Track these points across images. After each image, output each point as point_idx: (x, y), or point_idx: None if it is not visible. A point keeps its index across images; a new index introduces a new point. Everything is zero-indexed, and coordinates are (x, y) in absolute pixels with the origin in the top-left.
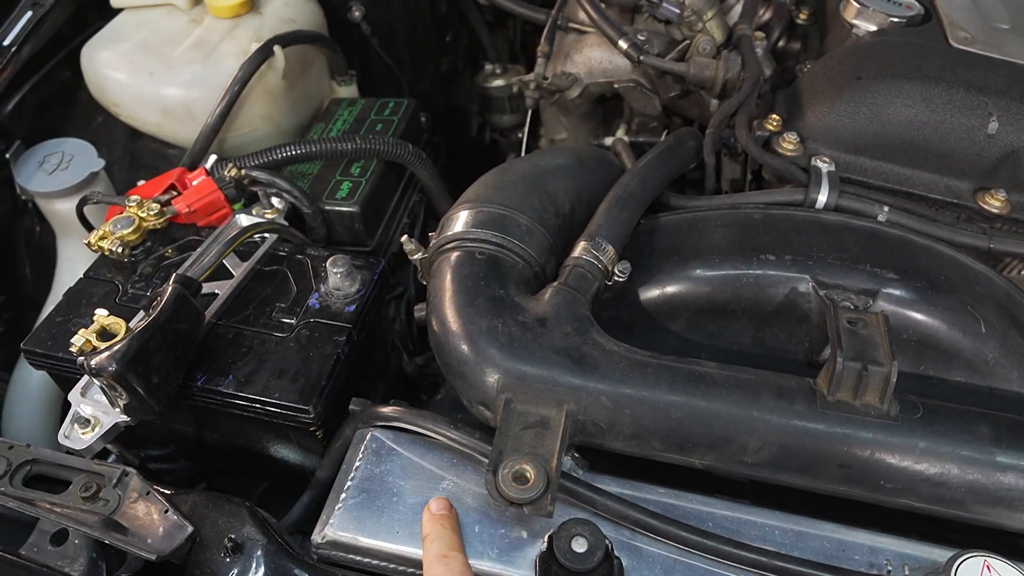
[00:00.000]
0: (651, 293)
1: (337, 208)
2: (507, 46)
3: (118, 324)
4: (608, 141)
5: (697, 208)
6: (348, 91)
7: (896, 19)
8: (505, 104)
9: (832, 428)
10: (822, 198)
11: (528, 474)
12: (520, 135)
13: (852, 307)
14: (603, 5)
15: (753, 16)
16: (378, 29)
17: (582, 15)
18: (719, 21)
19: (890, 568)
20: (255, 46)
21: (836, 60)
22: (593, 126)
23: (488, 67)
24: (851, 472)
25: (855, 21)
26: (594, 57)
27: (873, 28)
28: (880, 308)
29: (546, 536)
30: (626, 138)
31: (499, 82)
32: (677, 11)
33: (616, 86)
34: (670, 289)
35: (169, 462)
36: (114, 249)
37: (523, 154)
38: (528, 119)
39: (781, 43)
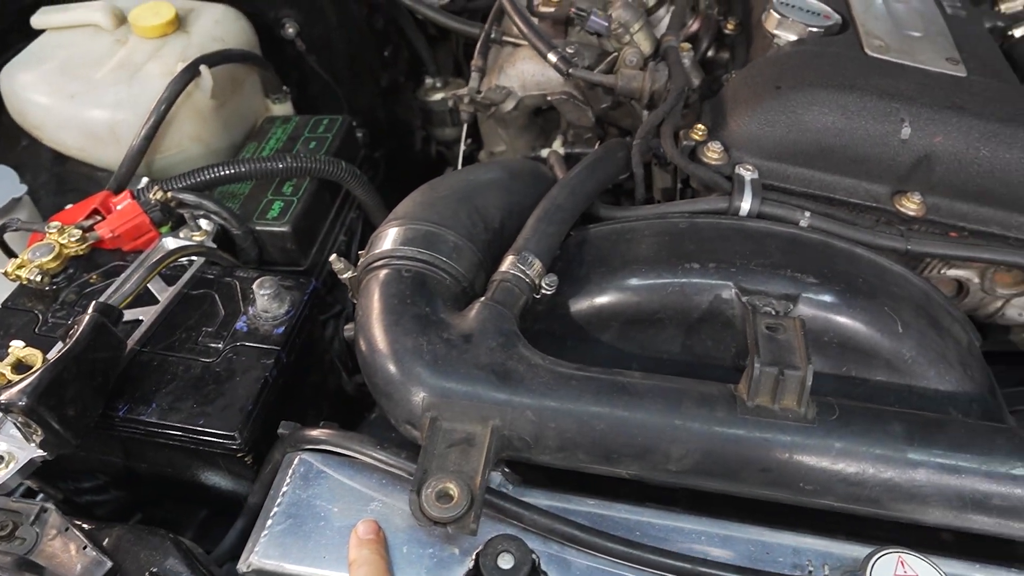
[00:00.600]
0: (581, 305)
1: (268, 228)
2: (452, 60)
3: (34, 356)
4: (545, 153)
5: (626, 218)
6: (283, 109)
7: (814, 29)
8: (447, 117)
9: (751, 433)
10: (745, 205)
11: (452, 492)
12: (464, 147)
13: (773, 312)
14: (535, 19)
15: (680, 28)
16: (313, 45)
17: (516, 29)
18: (647, 33)
19: (811, 568)
20: (181, 66)
21: (757, 70)
22: (531, 138)
23: (429, 81)
24: (771, 475)
25: (776, 31)
26: (527, 70)
27: (793, 38)
28: (800, 312)
29: (473, 553)
30: (562, 150)
31: (440, 96)
32: (605, 24)
33: (549, 99)
34: (599, 300)
35: (100, 494)
36: (32, 278)
37: (460, 168)
38: (463, 133)
39: (710, 53)
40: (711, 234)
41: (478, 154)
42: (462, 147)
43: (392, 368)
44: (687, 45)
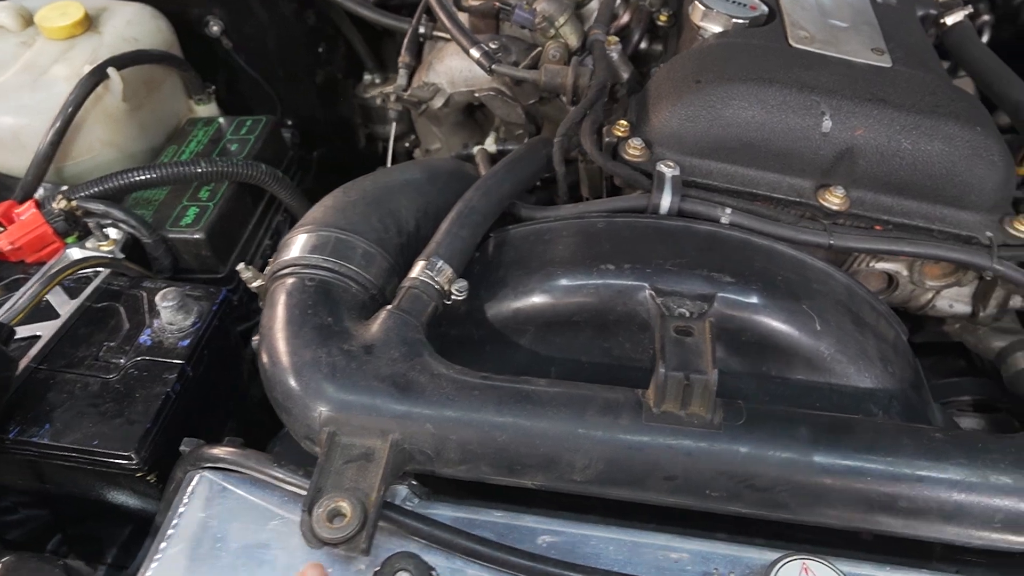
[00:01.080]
0: (498, 308)
1: (182, 235)
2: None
3: None
4: (476, 150)
5: (545, 219)
6: (207, 109)
7: (739, 20)
8: (388, 114)
9: (655, 440)
10: (664, 203)
11: (344, 511)
12: (406, 144)
13: (688, 314)
14: (465, 12)
15: (609, 20)
16: (242, 43)
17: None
18: (574, 26)
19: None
20: (88, 68)
21: (679, 63)
22: (467, 135)
23: (368, 77)
24: (676, 483)
25: (701, 23)
26: (454, 66)
27: (718, 29)
28: (718, 312)
29: (372, 573)
30: (494, 147)
31: (378, 92)
32: (529, 17)
33: (477, 95)
34: (515, 304)
35: (12, 514)
36: None
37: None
38: (391, 132)
39: (643, 45)
40: (628, 234)
41: (413, 152)
42: (391, 146)
43: (290, 382)
44: (614, 38)
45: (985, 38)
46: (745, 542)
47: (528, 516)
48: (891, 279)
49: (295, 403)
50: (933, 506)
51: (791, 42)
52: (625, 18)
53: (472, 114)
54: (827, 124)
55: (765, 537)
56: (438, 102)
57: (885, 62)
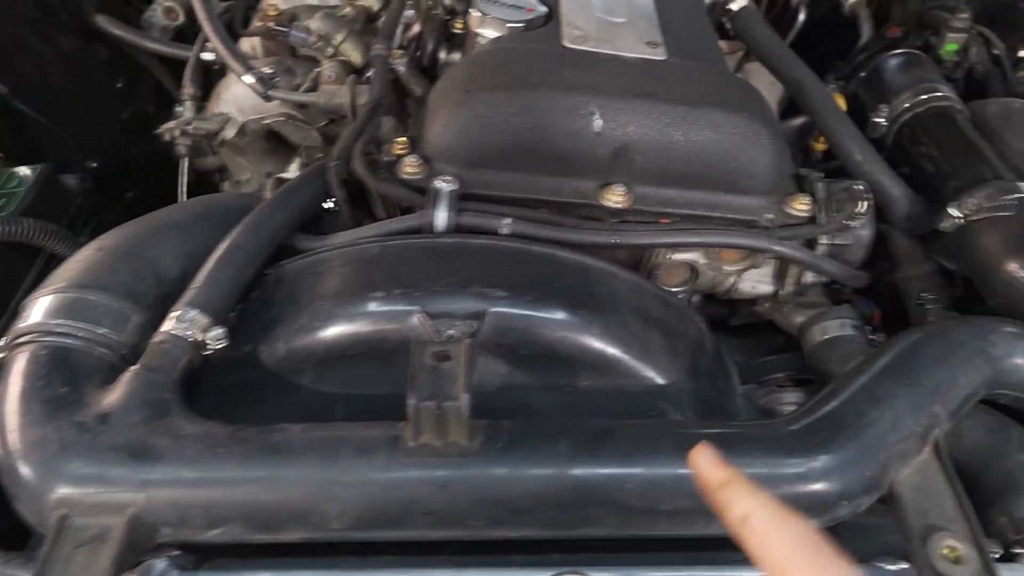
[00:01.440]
0: (272, 349)
1: None
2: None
3: None
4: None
5: (323, 248)
6: None
7: (515, 24)
8: (206, 147)
9: (410, 476)
10: (440, 220)
11: None
12: (222, 178)
13: (456, 335)
14: (252, 37)
15: (391, 35)
16: (21, 85)
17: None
18: (355, 43)
19: None
20: None
21: (452, 74)
22: (278, 161)
23: (179, 109)
24: (437, 517)
25: (479, 30)
26: (240, 94)
27: (495, 35)
28: (492, 327)
29: None
30: (290, 174)
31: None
32: (305, 37)
33: (266, 122)
34: (288, 343)
35: None
36: None
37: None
38: (182, 169)
39: (443, 55)
40: (400, 257)
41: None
42: (182, 185)
43: (16, 465)
44: (399, 52)
45: (802, 16)
46: (528, 563)
47: (302, 572)
48: (693, 268)
49: (23, 489)
50: (693, 505)
51: (565, 42)
52: (416, 28)
53: (281, 140)
54: (598, 123)
55: (569, 552)
56: (230, 132)
57: (659, 55)
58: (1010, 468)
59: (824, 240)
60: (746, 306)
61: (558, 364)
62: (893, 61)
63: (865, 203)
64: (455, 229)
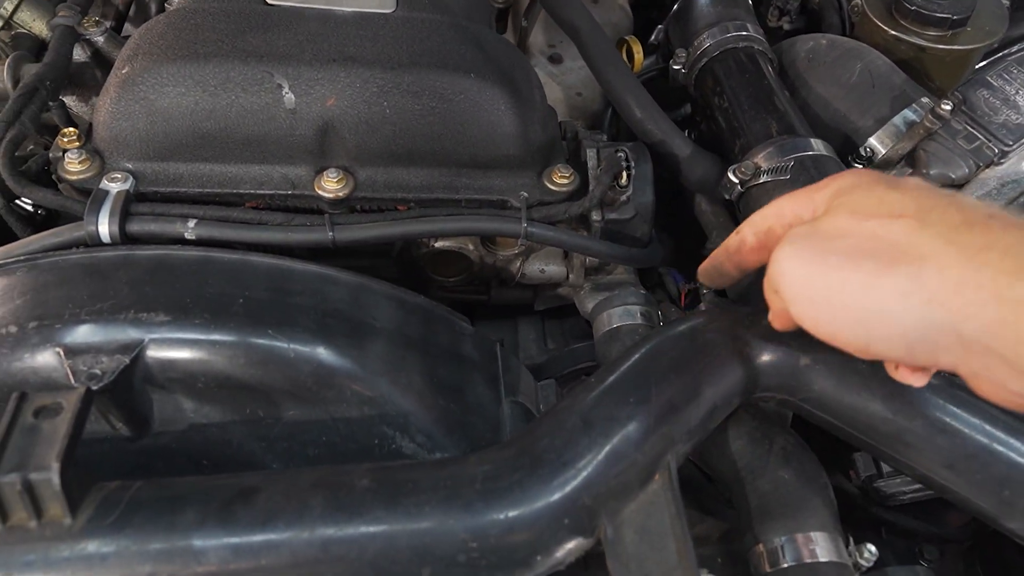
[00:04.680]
0: None
1: None
2: None
3: None
4: None
5: None
6: None
7: None
8: None
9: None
10: (103, 230)
11: None
12: None
13: (101, 374)
14: None
15: None
16: None
17: None
18: (38, 12)
19: None
20: None
21: (125, 49)
22: None
23: None
24: None
25: None
26: None
27: None
28: (150, 363)
29: None
30: None
31: None
32: None
33: None
34: None
35: None
36: None
37: None
38: None
39: None
40: (46, 280)
41: None
42: None
43: None
44: (93, 19)
45: None
46: None
47: None
48: (465, 256)
49: None
50: (350, 569)
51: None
52: None
53: None
54: (289, 98)
55: None
56: None
57: (387, 7)
58: (767, 488)
59: (596, 216)
60: (548, 289)
61: (251, 395)
62: None
63: (625, 173)
64: (128, 239)
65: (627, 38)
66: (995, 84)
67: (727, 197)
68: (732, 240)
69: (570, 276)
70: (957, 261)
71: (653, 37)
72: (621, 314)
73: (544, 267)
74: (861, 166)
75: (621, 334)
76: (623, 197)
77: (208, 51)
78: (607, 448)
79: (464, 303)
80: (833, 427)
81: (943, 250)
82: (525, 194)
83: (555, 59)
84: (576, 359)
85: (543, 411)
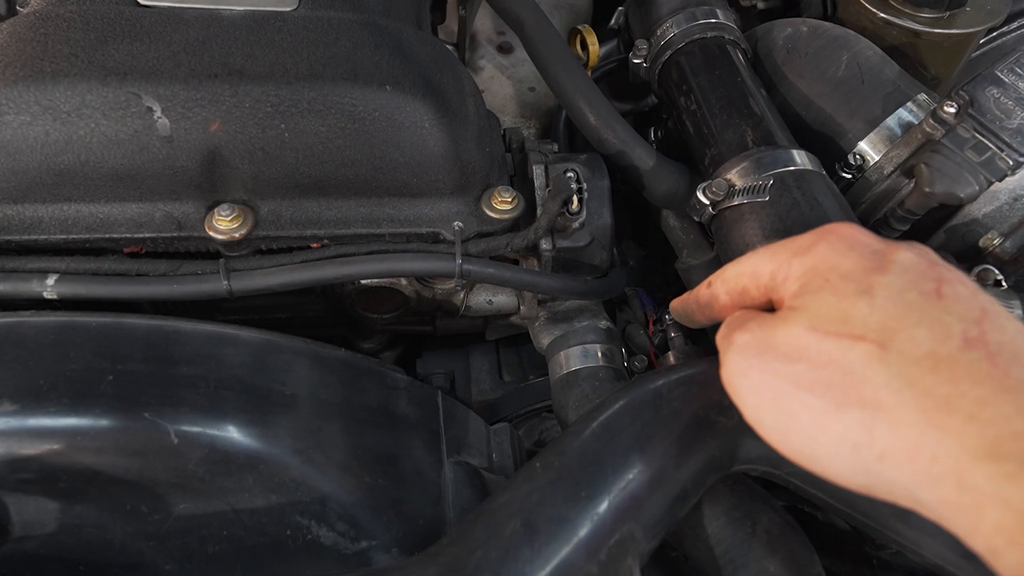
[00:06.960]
0: None
1: None
2: None
3: None
4: None
5: None
6: None
7: None
8: None
9: None
10: None
11: None
12: None
13: None
14: None
15: None
16: None
17: None
18: None
19: None
20: None
21: None
22: None
23: None
24: None
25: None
26: None
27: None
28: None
29: None
30: None
31: None
32: None
33: None
34: None
35: None
36: None
37: None
38: None
39: None
40: None
41: None
42: None
43: None
44: None
45: None
46: None
47: None
48: (399, 292)
49: None
50: None
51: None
52: None
53: None
54: (163, 124)
55: None
56: None
57: (286, 5)
58: None
59: (546, 246)
60: (499, 319)
61: (129, 489)
62: None
63: (576, 198)
64: None
65: (580, 28)
66: (1007, 80)
67: (696, 219)
68: (703, 293)
69: (521, 308)
70: (914, 418)
71: (613, 21)
72: (579, 355)
73: (492, 298)
74: (849, 176)
75: (579, 379)
76: (575, 224)
77: (57, 69)
78: (555, 562)
79: (409, 334)
80: (828, 505)
81: (899, 395)
82: (459, 224)
83: (504, 48)
84: (535, 396)
85: (494, 463)
